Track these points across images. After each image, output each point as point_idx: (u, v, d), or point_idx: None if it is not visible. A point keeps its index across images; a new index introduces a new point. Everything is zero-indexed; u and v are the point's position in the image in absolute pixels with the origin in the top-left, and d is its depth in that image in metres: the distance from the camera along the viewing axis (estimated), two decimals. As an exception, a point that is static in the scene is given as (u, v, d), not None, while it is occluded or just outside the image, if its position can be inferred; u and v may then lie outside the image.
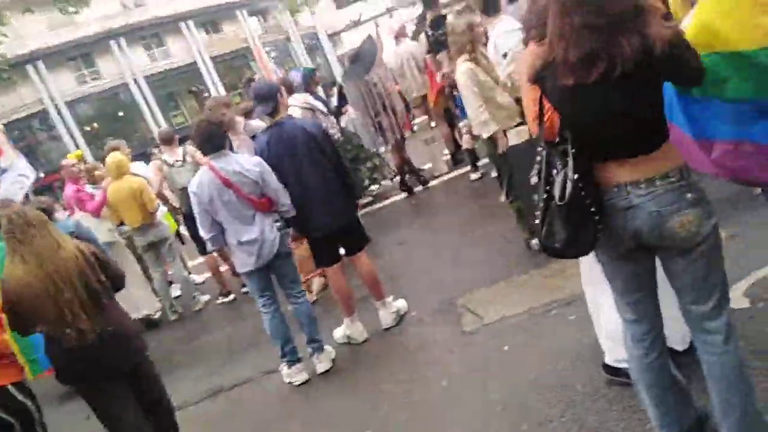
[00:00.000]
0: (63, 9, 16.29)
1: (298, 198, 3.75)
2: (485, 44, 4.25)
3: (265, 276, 3.78)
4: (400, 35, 7.19)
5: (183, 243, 6.81)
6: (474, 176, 6.34)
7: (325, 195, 3.76)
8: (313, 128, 3.85)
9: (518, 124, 3.95)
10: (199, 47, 33.06)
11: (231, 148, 3.94)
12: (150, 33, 32.50)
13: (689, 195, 1.71)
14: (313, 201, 3.76)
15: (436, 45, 5.94)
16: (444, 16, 5.90)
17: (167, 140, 6.03)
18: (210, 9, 34.22)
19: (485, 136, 4.00)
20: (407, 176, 6.81)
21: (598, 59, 1.60)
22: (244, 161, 3.68)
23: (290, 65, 36.65)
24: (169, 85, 33.12)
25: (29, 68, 27.45)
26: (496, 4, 4.53)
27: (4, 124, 26.24)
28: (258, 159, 3.70)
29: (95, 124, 30.92)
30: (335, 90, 9.09)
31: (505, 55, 4.16)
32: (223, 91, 33.19)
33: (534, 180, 1.84)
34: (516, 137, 2.50)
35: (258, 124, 5.61)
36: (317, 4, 26.75)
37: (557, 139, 1.77)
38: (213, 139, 3.67)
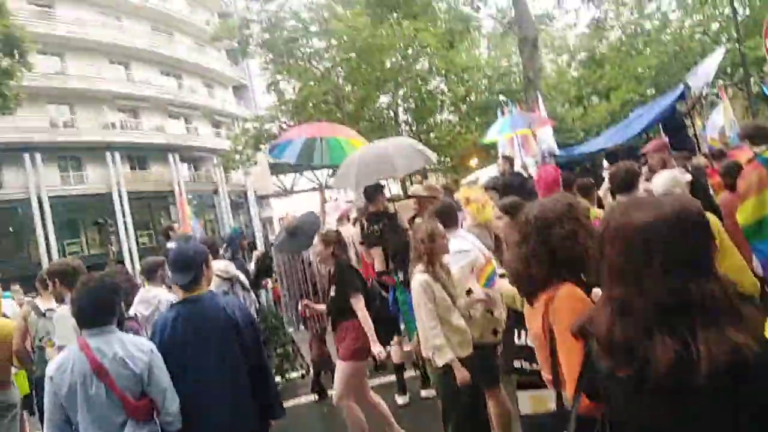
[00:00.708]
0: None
1: (191, 406, 2.81)
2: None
3: None
4: (344, 217, 6.85)
5: (32, 413, 5.27)
6: (401, 401, 5.38)
7: (231, 410, 2.88)
8: (238, 314, 3.05)
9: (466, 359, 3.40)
10: (119, 180, 31.87)
11: (120, 324, 3.07)
12: (71, 155, 31.24)
13: None
14: (211, 415, 2.85)
15: (369, 238, 5.70)
16: (383, 213, 5.72)
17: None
18: (142, 146, 33.84)
19: (440, 364, 3.38)
20: (322, 375, 5.90)
21: (628, 356, 1.18)
22: (131, 344, 2.75)
23: (209, 217, 36.16)
24: (74, 210, 31.01)
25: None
26: (455, 218, 4.33)
27: None
28: (149, 345, 2.81)
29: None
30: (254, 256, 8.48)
31: None
32: (131, 229, 31.60)
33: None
34: (529, 403, 1.87)
35: (159, 294, 4.71)
36: (254, 166, 27.25)
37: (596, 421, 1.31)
38: (98, 310, 2.75)
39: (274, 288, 9.95)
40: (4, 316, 4.76)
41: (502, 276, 3.55)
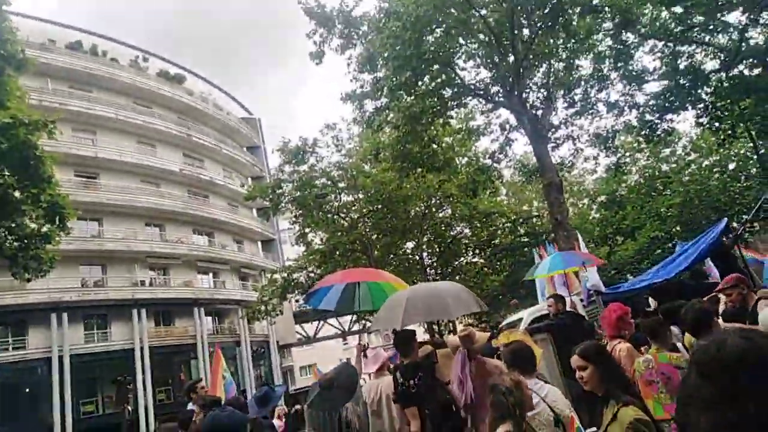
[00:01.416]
0: (19, 275, 15.40)
1: None
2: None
3: None
4: (384, 367, 6.15)
5: None
6: None
7: None
8: None
9: None
10: (143, 335, 31.48)
11: None
12: (98, 313, 31.24)
13: None
14: None
15: (405, 397, 4.81)
16: (419, 365, 4.96)
17: None
18: (168, 301, 33.93)
19: None
20: None
21: None
22: None
23: (231, 369, 34.95)
24: (94, 368, 30.29)
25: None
26: (532, 362, 3.76)
27: None
28: None
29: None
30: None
31: None
32: (150, 385, 30.48)
33: None
34: None
35: None
36: (279, 315, 26.92)
37: None
38: None
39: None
40: None
41: None
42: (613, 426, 2.62)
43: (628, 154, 28.58)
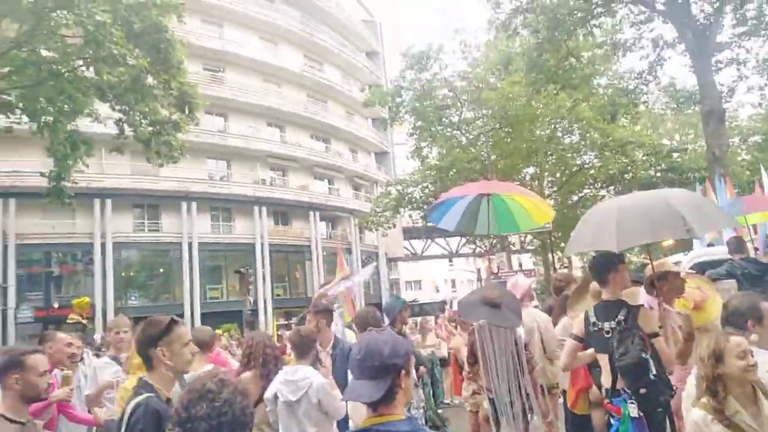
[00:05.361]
0: (152, 159, 16.43)
1: None
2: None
3: None
4: (526, 296, 5.43)
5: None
6: None
7: None
8: None
9: None
10: (263, 232, 33.43)
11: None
12: (223, 206, 33.48)
13: None
14: None
15: (598, 341, 3.68)
16: (621, 303, 3.71)
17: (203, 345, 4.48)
18: (286, 202, 35.50)
19: None
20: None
21: None
22: None
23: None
24: (219, 258, 32.99)
25: (96, 201, 27.45)
26: None
27: (48, 244, 26.26)
28: None
29: (132, 272, 30.32)
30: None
31: None
32: (269, 280, 32.63)
33: None
34: None
35: (310, 376, 3.86)
36: (392, 228, 27.15)
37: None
38: None
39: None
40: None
41: None
42: None
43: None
